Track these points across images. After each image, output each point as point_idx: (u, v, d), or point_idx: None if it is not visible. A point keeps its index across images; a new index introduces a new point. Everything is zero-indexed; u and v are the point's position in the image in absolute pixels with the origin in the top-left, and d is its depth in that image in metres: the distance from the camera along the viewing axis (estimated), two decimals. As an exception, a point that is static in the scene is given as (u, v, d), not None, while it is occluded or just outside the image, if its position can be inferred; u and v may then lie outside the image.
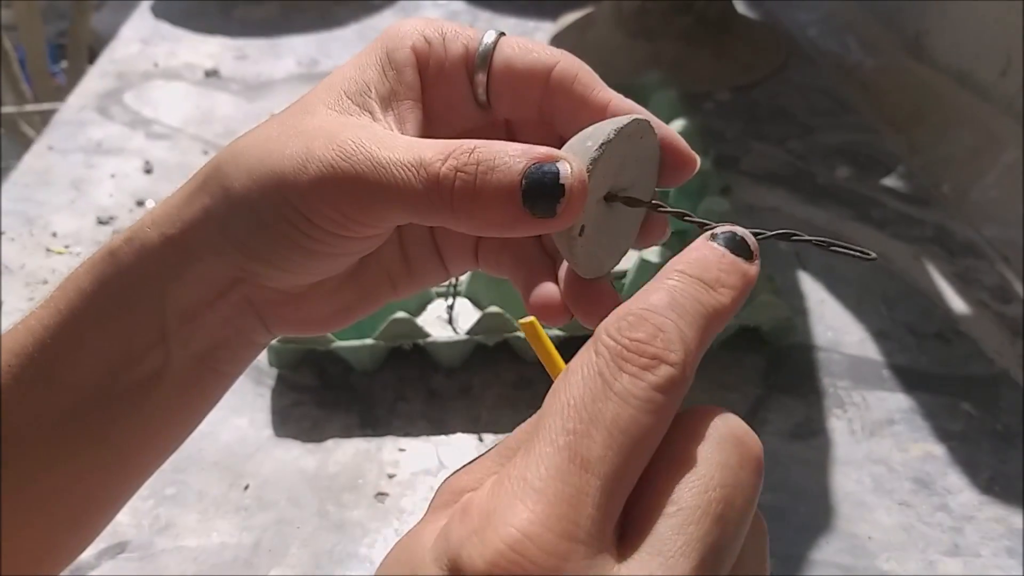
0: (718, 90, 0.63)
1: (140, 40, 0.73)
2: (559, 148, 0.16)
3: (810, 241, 0.16)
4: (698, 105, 0.61)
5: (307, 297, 0.19)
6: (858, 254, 0.15)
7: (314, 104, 0.18)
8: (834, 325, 0.43)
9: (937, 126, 0.58)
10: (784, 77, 0.65)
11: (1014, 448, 0.37)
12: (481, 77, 0.18)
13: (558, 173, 0.15)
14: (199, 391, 0.19)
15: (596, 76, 0.18)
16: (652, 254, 0.41)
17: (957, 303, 0.45)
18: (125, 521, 0.34)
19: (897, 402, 0.39)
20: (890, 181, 0.54)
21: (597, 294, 0.17)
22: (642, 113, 0.18)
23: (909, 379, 0.40)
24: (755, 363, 0.41)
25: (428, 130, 0.19)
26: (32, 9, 1.33)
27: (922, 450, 0.37)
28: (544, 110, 0.18)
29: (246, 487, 0.35)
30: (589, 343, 0.13)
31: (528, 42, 0.18)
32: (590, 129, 0.17)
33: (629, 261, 0.43)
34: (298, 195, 0.16)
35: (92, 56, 1.22)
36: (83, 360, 0.18)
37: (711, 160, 0.50)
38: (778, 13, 0.75)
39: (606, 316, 0.15)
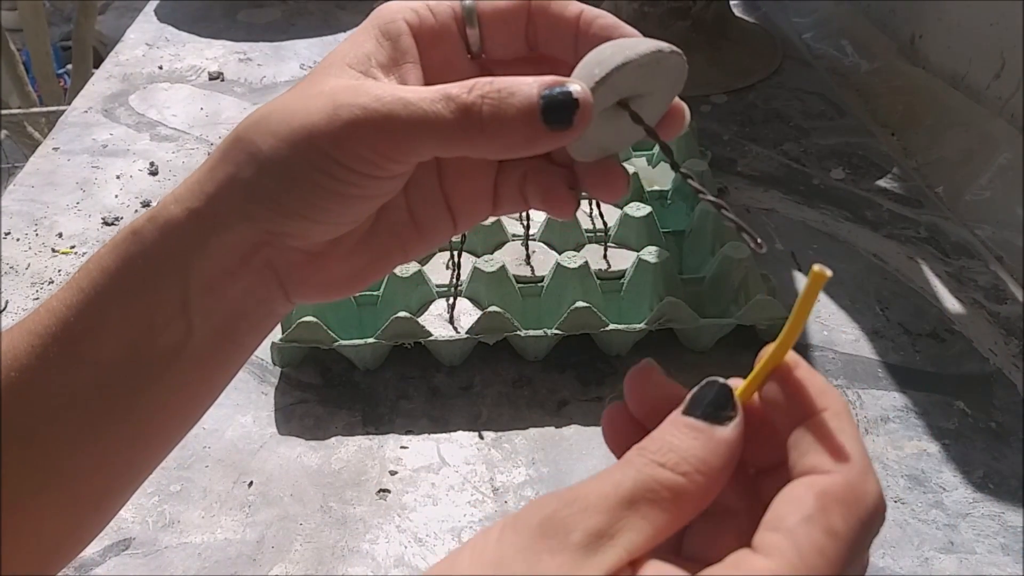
0: (714, 93, 0.64)
1: (145, 43, 0.74)
2: None
3: (723, 212, 0.18)
4: (694, 108, 0.62)
5: (325, 257, 0.20)
6: (750, 240, 0.17)
7: (320, 76, 0.19)
8: (829, 324, 0.44)
9: (931, 128, 0.58)
10: (780, 80, 0.66)
11: (1008, 446, 0.37)
12: (472, 31, 0.20)
13: (570, 91, 0.17)
14: (219, 363, 0.20)
15: None
16: (650, 255, 0.41)
17: (951, 303, 0.45)
18: (130, 518, 0.34)
19: (891, 400, 0.40)
20: (885, 183, 0.55)
21: (608, 171, 0.20)
22: (624, 30, 0.19)
23: (903, 377, 0.41)
24: (751, 362, 0.41)
25: None
26: (37, 12, 1.34)
27: (916, 448, 0.37)
28: (530, 38, 0.20)
29: (250, 484, 0.36)
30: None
31: None
32: (608, 50, 0.18)
33: (629, 260, 0.43)
34: (331, 142, 0.18)
35: (97, 59, 1.23)
36: (106, 336, 0.18)
37: (707, 162, 0.51)
38: (774, 17, 0.76)
39: (617, 189, 0.19)
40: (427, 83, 0.20)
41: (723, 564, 0.13)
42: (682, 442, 0.15)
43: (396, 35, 0.19)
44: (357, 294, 0.22)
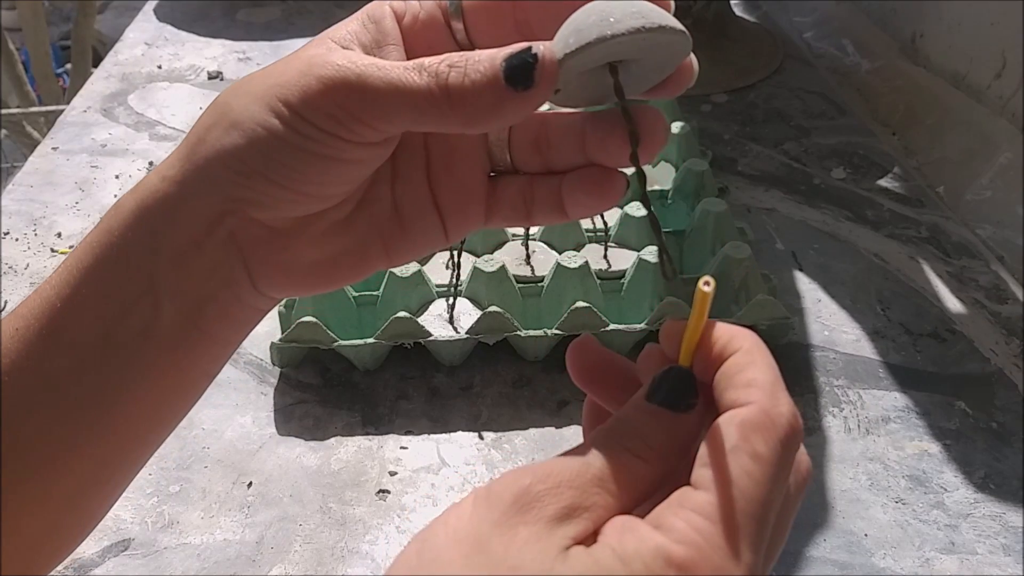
0: (715, 93, 0.64)
1: (144, 43, 0.74)
2: None
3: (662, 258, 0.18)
4: (695, 107, 0.62)
5: (293, 237, 0.19)
6: (666, 266, 0.18)
7: (303, 48, 0.19)
8: (830, 324, 0.44)
9: (932, 128, 0.58)
10: (780, 80, 0.66)
11: (1009, 446, 0.37)
12: (458, 24, 0.19)
13: (533, 51, 0.17)
14: (189, 352, 0.19)
15: None
16: (650, 255, 0.41)
17: (952, 303, 0.45)
18: (129, 518, 0.34)
19: (893, 400, 0.40)
20: (886, 182, 0.55)
21: (608, 123, 0.19)
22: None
23: (904, 377, 0.41)
24: (752, 362, 0.41)
25: None
26: (36, 11, 1.34)
27: (917, 448, 0.37)
28: (520, 22, 0.19)
29: (249, 484, 0.36)
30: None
31: None
32: (592, 16, 0.17)
33: (629, 260, 0.43)
34: (300, 98, 0.17)
35: (96, 59, 1.23)
36: (81, 314, 0.18)
37: (708, 162, 0.51)
38: (774, 16, 0.76)
39: (613, 139, 0.18)
40: None
41: (669, 503, 0.15)
42: (647, 428, 0.16)
43: (380, 18, 0.19)
44: (332, 290, 0.21)
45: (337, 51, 0.18)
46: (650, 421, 0.16)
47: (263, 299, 0.20)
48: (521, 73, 0.17)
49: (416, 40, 0.20)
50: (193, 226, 0.18)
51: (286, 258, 0.19)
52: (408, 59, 0.19)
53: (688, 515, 0.14)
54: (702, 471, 0.15)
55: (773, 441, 0.15)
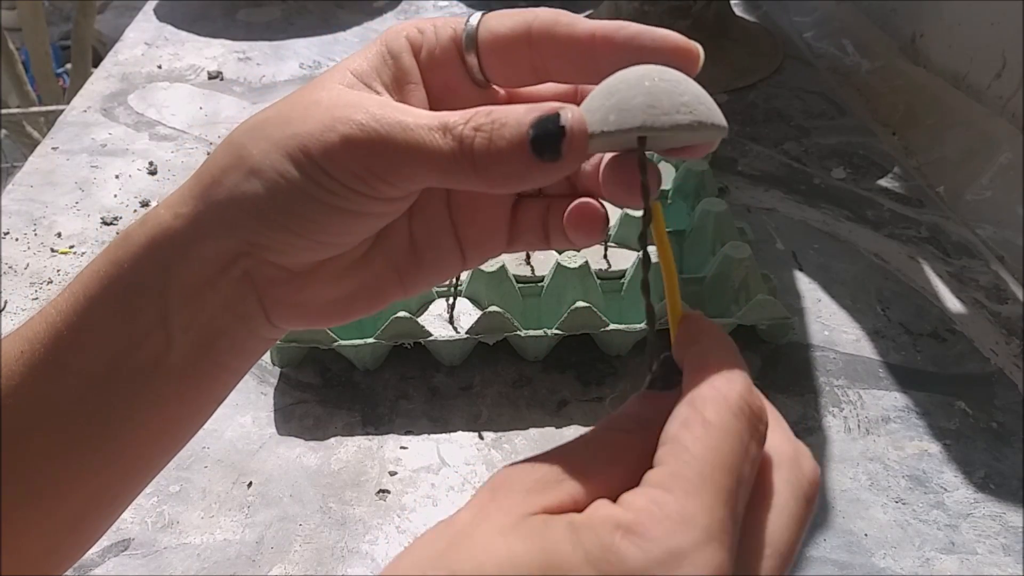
0: (715, 93, 0.63)
1: (144, 43, 0.74)
2: None
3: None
4: (696, 107, 0.62)
5: (309, 278, 0.19)
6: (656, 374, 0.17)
7: (325, 82, 0.18)
8: (830, 324, 0.44)
9: (932, 128, 0.58)
10: (780, 80, 0.66)
11: (1009, 446, 0.37)
12: (472, 59, 0.19)
13: (561, 124, 0.16)
14: (199, 383, 0.19)
15: (578, 16, 0.19)
16: (650, 255, 0.41)
17: (952, 302, 0.45)
18: (129, 518, 0.34)
19: (893, 400, 0.40)
20: (886, 182, 0.55)
21: (625, 170, 0.18)
22: (652, 36, 0.17)
23: (904, 377, 0.41)
24: (752, 362, 0.41)
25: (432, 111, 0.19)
26: (36, 11, 1.34)
27: (917, 448, 0.37)
28: (537, 66, 0.19)
29: (249, 484, 0.36)
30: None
31: (510, 11, 0.19)
32: (639, 96, 0.16)
33: (629, 260, 0.43)
34: (323, 153, 0.17)
35: (96, 59, 1.23)
36: (89, 344, 0.18)
37: (708, 162, 0.51)
38: (775, 16, 0.76)
39: (620, 189, 0.18)
40: (432, 105, 0.19)
41: (638, 488, 0.15)
42: (634, 408, 0.17)
43: (398, 53, 0.19)
44: (347, 322, 0.21)
45: (362, 102, 0.17)
46: (637, 402, 0.17)
47: (277, 331, 0.20)
48: (548, 144, 0.16)
49: (432, 75, 0.19)
50: (207, 265, 0.18)
51: (301, 297, 0.19)
52: (428, 96, 0.19)
53: (645, 490, 0.14)
54: (659, 449, 0.15)
55: (724, 411, 0.15)
